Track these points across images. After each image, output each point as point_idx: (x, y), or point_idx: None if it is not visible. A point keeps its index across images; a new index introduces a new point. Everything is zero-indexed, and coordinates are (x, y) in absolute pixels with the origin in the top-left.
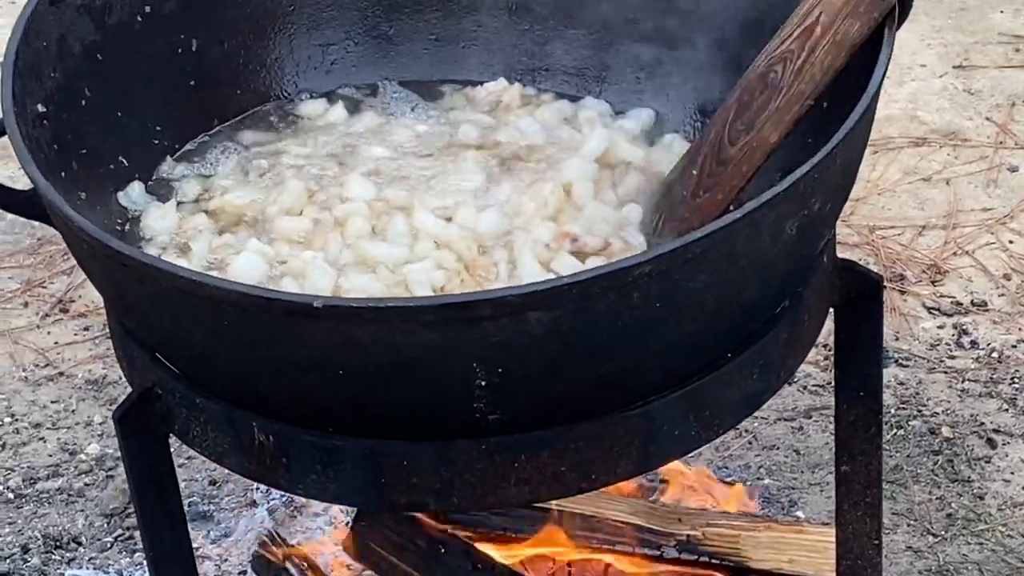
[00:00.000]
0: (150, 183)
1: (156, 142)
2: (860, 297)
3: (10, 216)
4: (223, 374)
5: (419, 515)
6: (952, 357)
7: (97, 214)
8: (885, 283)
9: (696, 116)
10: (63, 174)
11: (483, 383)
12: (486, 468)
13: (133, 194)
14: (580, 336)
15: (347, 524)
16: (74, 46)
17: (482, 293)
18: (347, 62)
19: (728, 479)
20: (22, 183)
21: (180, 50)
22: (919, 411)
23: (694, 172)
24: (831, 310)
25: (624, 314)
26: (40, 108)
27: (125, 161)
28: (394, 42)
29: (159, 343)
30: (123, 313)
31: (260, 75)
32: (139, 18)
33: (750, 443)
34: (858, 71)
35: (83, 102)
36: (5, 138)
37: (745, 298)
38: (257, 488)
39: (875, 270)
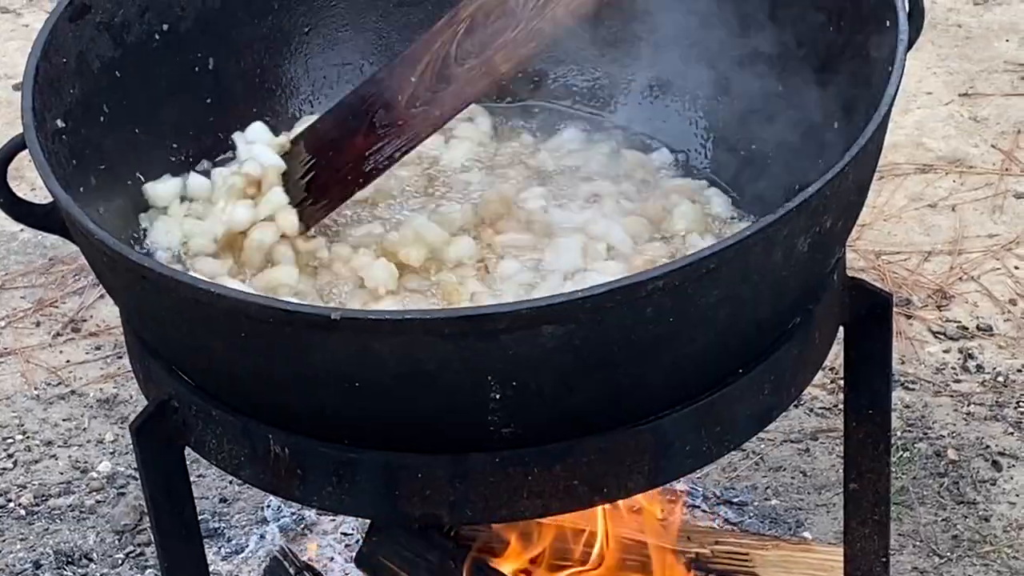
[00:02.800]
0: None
1: (172, 159)
2: (870, 315)
3: (23, 236)
4: (240, 386)
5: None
6: (958, 381)
7: (115, 228)
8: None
9: None
10: (81, 189)
11: (497, 396)
12: (499, 481)
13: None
14: (593, 350)
15: (358, 540)
16: (93, 63)
17: (498, 306)
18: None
19: (736, 499)
20: (39, 199)
21: (197, 68)
22: (925, 434)
23: (412, 79)
24: (841, 328)
25: (637, 329)
26: (59, 123)
27: (142, 177)
28: None
29: (176, 355)
30: (140, 326)
31: (276, 94)
32: (157, 36)
33: (757, 464)
34: (870, 91)
35: (101, 118)
36: (24, 153)
37: (757, 314)
38: (268, 505)
39: None
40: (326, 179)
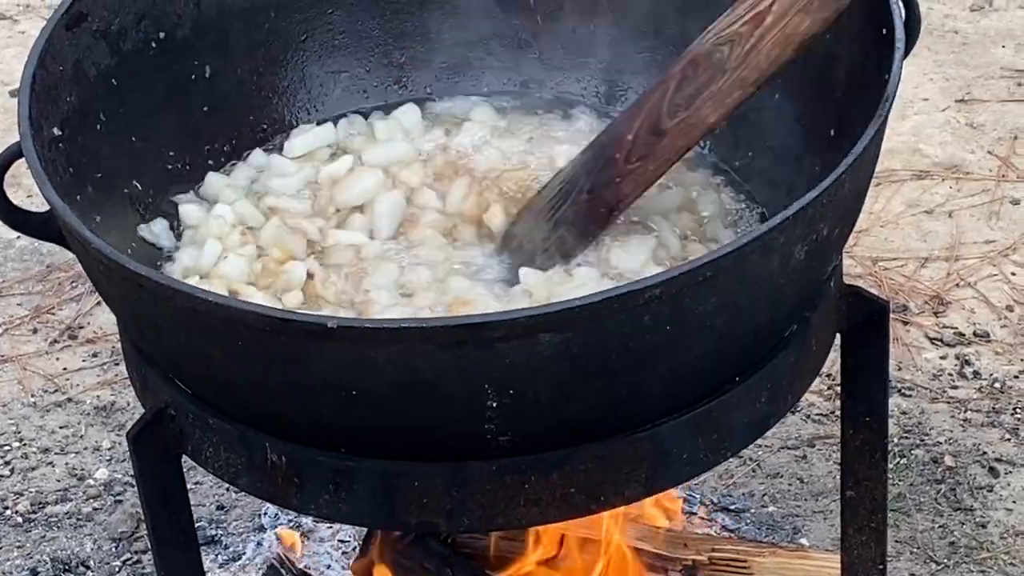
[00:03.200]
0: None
1: (169, 167)
2: (867, 322)
3: (19, 243)
4: (237, 394)
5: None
6: (955, 387)
7: (112, 237)
8: None
9: None
10: (78, 197)
11: (495, 404)
12: (496, 489)
13: (156, 228)
14: (590, 358)
15: (355, 548)
16: (90, 71)
17: (494, 314)
18: (359, 89)
19: (733, 506)
20: (36, 207)
21: (194, 76)
22: (922, 440)
23: (628, 138)
24: (838, 335)
25: (634, 336)
26: (56, 131)
27: (139, 185)
28: (405, 69)
29: (173, 363)
30: (137, 334)
31: (272, 102)
32: (154, 44)
33: (754, 471)
34: (867, 97)
35: (98, 126)
36: (19, 162)
37: (754, 321)
38: (265, 512)
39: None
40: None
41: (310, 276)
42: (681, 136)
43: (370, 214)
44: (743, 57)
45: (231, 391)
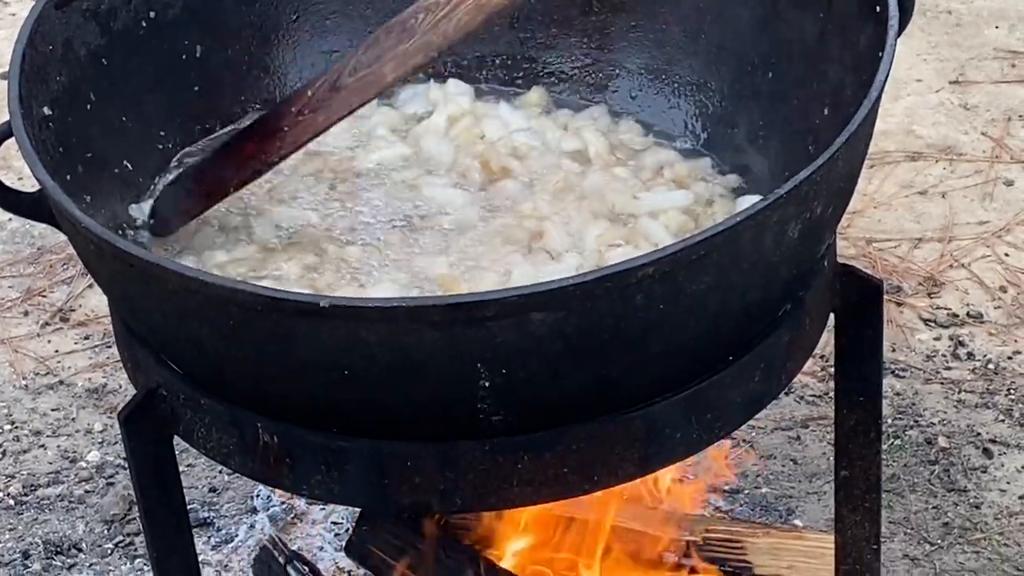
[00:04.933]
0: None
1: (160, 147)
2: (861, 301)
3: (11, 225)
4: (228, 374)
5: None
6: (948, 368)
7: (102, 217)
8: None
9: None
10: (68, 177)
11: (487, 384)
12: (489, 469)
13: (146, 208)
14: (583, 337)
15: (348, 530)
16: (80, 50)
17: (486, 293)
18: None
19: (727, 487)
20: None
21: (184, 56)
22: (916, 421)
23: (308, 93)
24: (832, 314)
25: (627, 316)
26: (46, 111)
27: (129, 165)
28: None
29: (164, 344)
30: (128, 314)
31: (264, 82)
32: (144, 24)
33: (748, 452)
34: (860, 77)
35: (88, 106)
36: (9, 143)
37: (747, 301)
38: (258, 495)
39: None
40: (210, 176)
41: None
42: (357, 93)
43: None
44: (434, 24)
45: (222, 371)
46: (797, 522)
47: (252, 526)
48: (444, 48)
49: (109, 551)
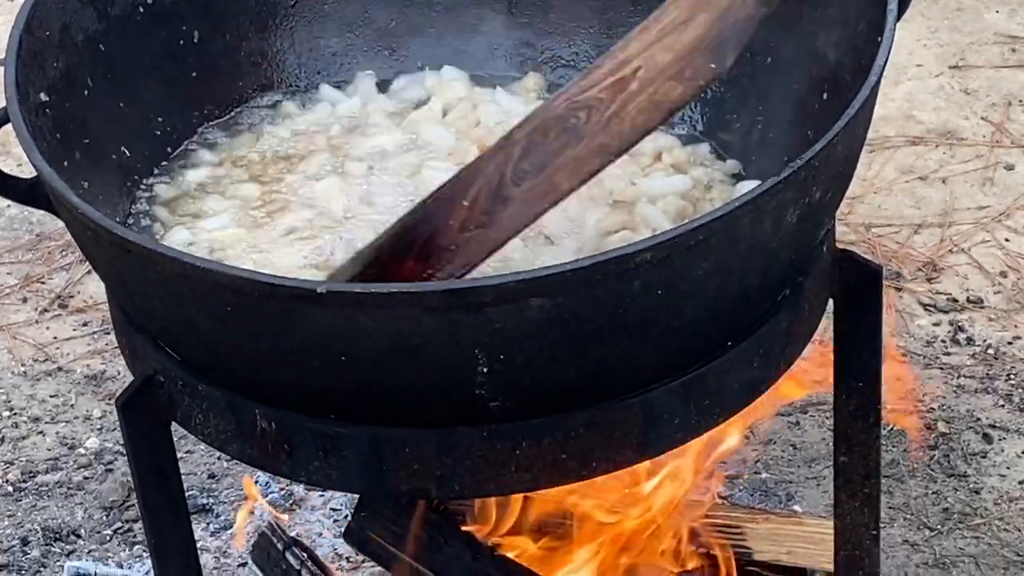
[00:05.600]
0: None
1: (157, 133)
2: (860, 287)
3: (9, 212)
4: (226, 361)
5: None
6: (948, 354)
7: (99, 203)
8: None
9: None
10: (66, 163)
11: (485, 369)
12: (487, 455)
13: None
14: (581, 323)
15: (347, 516)
16: (77, 36)
17: (484, 279)
18: (349, 55)
19: (726, 472)
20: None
21: (182, 41)
22: (915, 406)
23: (464, 204)
24: (831, 300)
25: (625, 301)
26: (43, 97)
27: (127, 151)
28: (395, 35)
29: (162, 330)
30: (126, 300)
31: (262, 67)
32: (141, 9)
33: (747, 437)
34: (859, 62)
35: (85, 92)
36: (6, 129)
37: (746, 286)
38: (256, 481)
39: None
40: None
41: None
42: (531, 204)
43: None
44: (604, 124)
45: (220, 357)
46: (796, 507)
47: (251, 513)
48: (624, 150)
49: (108, 537)
